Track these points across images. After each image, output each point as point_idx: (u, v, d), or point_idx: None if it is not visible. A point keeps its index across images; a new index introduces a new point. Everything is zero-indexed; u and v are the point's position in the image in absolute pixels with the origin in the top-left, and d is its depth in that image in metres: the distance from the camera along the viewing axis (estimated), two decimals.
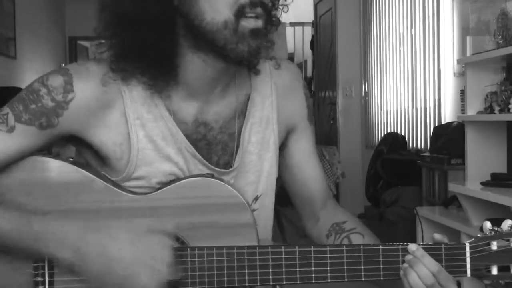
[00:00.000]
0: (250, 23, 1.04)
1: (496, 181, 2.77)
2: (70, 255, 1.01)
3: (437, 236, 1.07)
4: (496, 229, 1.04)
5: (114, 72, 1.08)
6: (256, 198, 1.20)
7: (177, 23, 1.07)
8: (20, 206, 1.04)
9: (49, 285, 1.07)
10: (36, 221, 1.02)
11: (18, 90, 5.07)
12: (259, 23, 1.05)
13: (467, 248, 1.04)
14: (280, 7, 1.16)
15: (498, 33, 2.86)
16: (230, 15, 1.03)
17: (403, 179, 4.11)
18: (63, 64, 7.42)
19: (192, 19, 1.04)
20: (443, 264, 1.03)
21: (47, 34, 7.12)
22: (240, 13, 1.03)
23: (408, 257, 1.03)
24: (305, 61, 7.84)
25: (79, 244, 1.01)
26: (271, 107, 1.21)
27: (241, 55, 1.05)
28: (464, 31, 3.52)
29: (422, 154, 3.94)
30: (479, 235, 1.05)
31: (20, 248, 1.03)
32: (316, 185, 1.28)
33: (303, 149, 1.27)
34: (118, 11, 1.06)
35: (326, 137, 6.43)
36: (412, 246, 1.04)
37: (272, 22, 1.12)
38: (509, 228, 1.04)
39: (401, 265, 1.05)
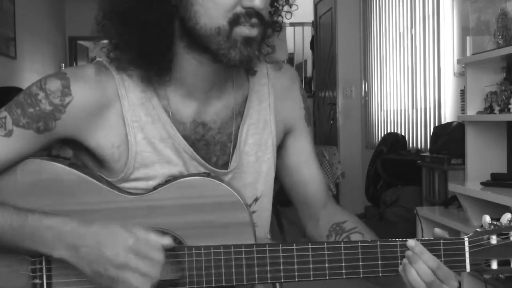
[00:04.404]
0: (243, 30, 1.04)
1: (496, 181, 2.77)
2: (65, 253, 1.01)
3: (438, 231, 1.06)
4: (495, 223, 1.03)
5: (111, 62, 1.09)
6: (255, 200, 1.20)
7: (174, 23, 1.07)
8: (17, 205, 1.05)
9: (47, 286, 1.06)
10: (32, 218, 1.02)
11: (18, 90, 5.10)
12: (253, 32, 1.04)
13: (466, 243, 1.03)
14: (283, 14, 1.16)
15: (498, 33, 2.86)
16: (224, 23, 1.03)
17: (403, 179, 4.10)
18: (63, 64, 7.43)
19: (187, 21, 1.04)
20: (442, 259, 1.03)
21: (47, 34, 7.12)
22: (234, 22, 1.03)
23: (408, 253, 1.02)
24: (305, 61, 7.83)
25: (76, 241, 1.01)
26: (268, 109, 1.21)
27: (233, 62, 1.05)
28: (464, 31, 3.51)
29: (422, 154, 3.94)
30: (478, 230, 1.04)
31: (17, 245, 1.03)
32: (315, 186, 1.26)
33: (301, 150, 1.26)
34: (117, 9, 1.06)
35: (326, 137, 6.42)
36: (411, 242, 1.02)
37: (268, 33, 1.11)
38: (509, 222, 1.02)
39: (399, 261, 1.04)
